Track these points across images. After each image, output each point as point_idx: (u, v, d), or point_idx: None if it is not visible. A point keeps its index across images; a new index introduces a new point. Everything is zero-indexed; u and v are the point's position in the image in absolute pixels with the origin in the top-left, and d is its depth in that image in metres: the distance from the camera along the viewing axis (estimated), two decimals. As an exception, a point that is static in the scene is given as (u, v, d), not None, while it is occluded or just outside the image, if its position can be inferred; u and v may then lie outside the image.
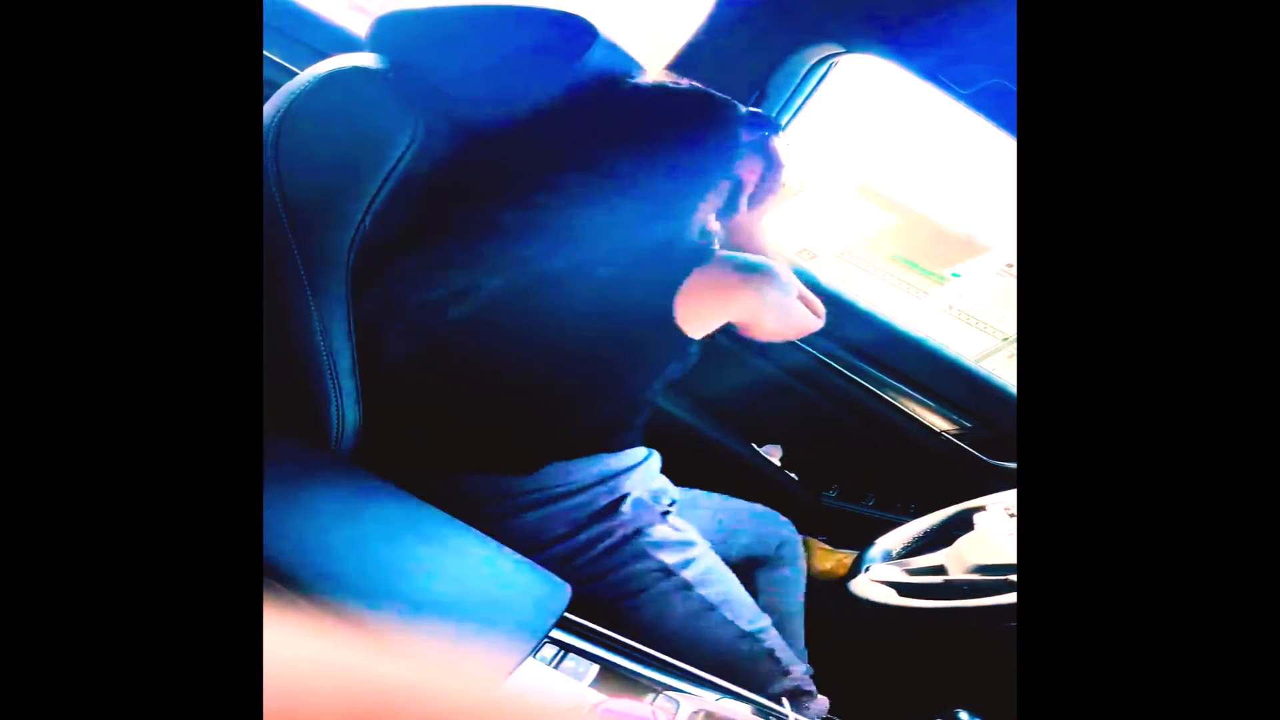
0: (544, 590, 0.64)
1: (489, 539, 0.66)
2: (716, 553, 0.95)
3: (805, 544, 1.23)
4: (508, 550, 0.66)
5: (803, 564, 1.17)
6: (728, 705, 0.67)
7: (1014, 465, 1.33)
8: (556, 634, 0.67)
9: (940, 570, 0.91)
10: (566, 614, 0.68)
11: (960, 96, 1.01)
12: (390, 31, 0.74)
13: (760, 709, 0.68)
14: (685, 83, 0.83)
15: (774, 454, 1.39)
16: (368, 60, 0.72)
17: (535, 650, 0.64)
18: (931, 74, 1.01)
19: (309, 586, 0.54)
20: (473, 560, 0.64)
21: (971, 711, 0.69)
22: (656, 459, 0.97)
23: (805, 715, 0.82)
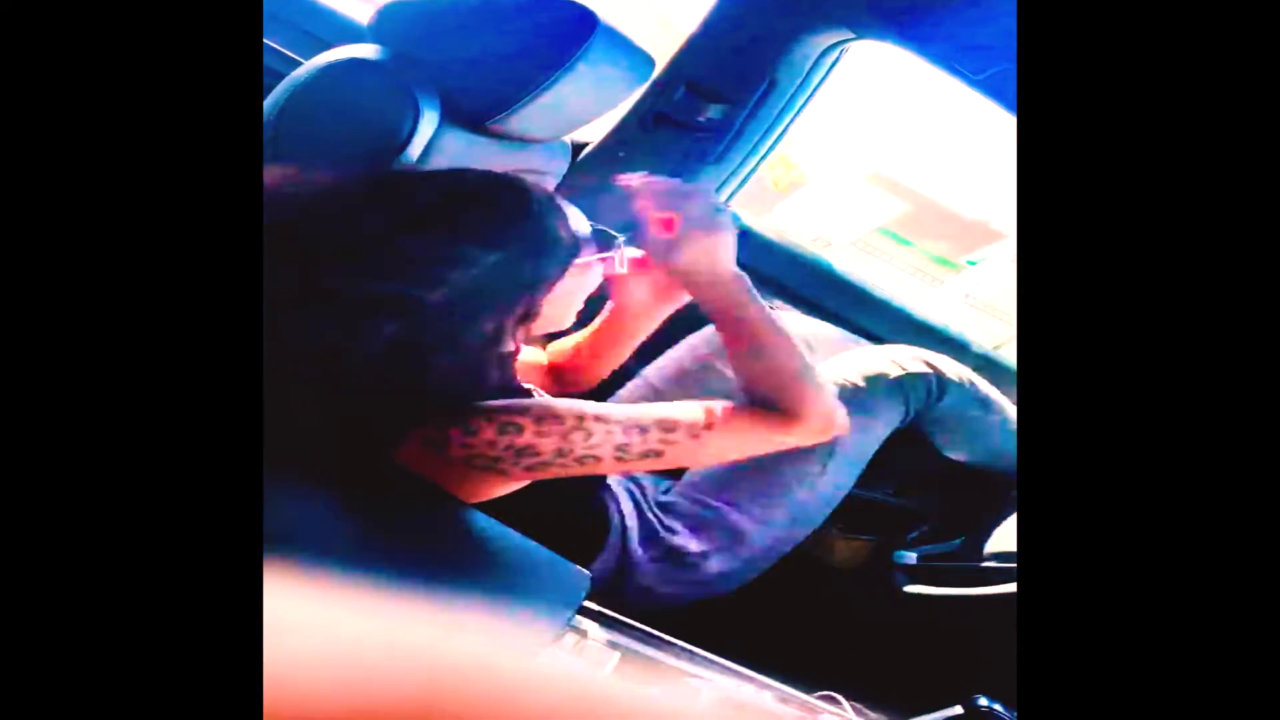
0: (563, 578, 0.65)
1: (506, 527, 0.67)
2: None
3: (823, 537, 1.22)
4: (525, 539, 0.66)
5: None
6: (749, 692, 0.67)
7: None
8: (577, 621, 0.68)
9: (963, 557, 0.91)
10: (586, 602, 0.68)
11: (972, 82, 1.00)
12: (392, 22, 0.74)
13: (781, 695, 0.68)
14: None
15: None
16: (368, 51, 0.73)
17: (556, 638, 0.64)
18: (942, 59, 1.00)
19: (319, 571, 0.54)
20: (491, 547, 0.64)
21: (992, 697, 0.69)
22: None
23: None
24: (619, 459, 0.69)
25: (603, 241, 0.76)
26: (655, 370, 1.10)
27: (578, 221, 0.75)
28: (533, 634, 0.58)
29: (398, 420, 0.66)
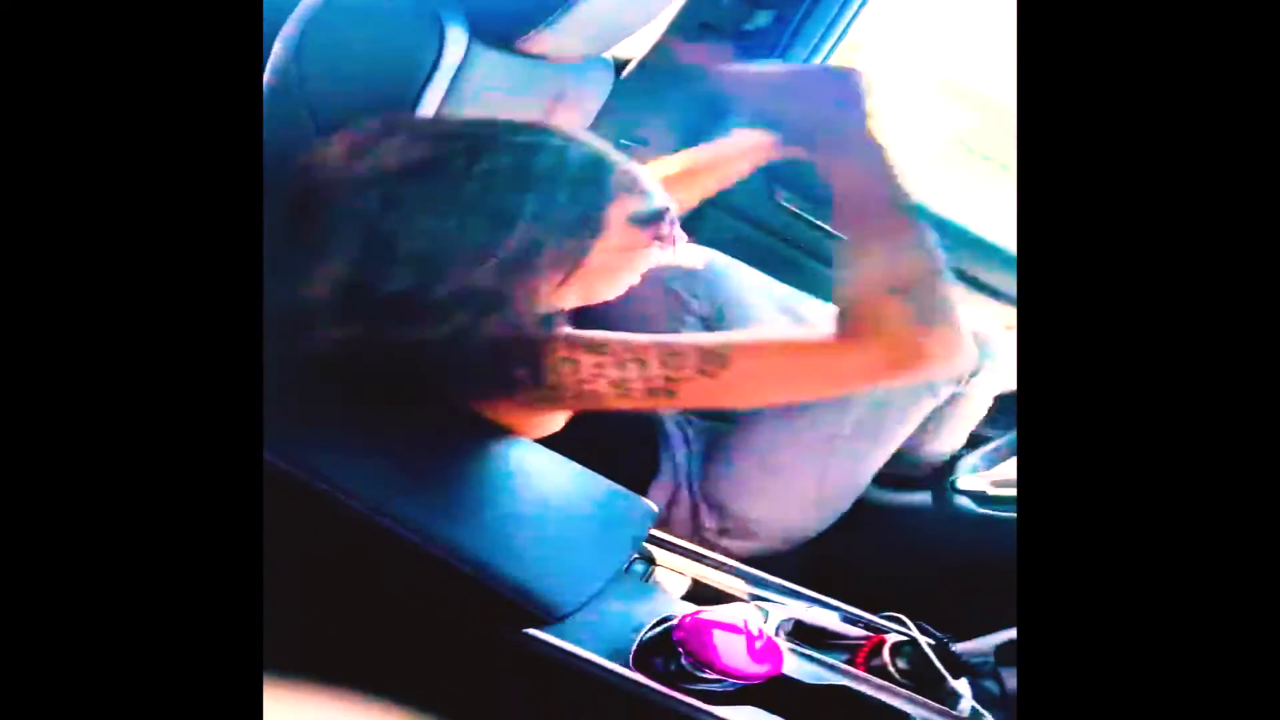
0: (630, 508, 0.66)
1: (572, 462, 0.68)
2: None
3: None
4: (591, 473, 0.68)
5: None
6: (817, 613, 0.68)
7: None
8: (648, 549, 0.69)
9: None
10: (655, 531, 0.69)
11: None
12: None
13: (847, 616, 0.69)
14: None
15: None
16: None
17: (625, 566, 0.66)
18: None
19: (389, 508, 0.55)
20: (558, 481, 0.66)
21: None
22: None
23: None
24: (620, 395, 0.62)
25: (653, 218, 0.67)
26: None
27: (647, 181, 0.67)
28: (598, 562, 0.60)
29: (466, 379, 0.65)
